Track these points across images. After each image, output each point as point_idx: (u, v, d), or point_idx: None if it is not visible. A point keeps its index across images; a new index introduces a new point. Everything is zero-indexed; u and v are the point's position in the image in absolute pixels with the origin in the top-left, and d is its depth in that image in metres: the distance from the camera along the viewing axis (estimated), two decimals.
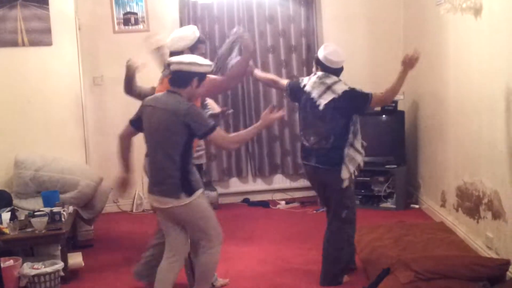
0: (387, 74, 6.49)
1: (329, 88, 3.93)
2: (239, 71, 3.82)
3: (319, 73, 4.02)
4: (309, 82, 4.06)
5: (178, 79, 3.31)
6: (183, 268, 3.73)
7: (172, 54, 3.71)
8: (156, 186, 3.39)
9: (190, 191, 3.31)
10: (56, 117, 5.42)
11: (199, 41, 3.80)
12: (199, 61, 3.30)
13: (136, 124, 3.48)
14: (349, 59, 6.37)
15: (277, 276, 4.30)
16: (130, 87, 4.43)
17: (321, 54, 4.03)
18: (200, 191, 3.36)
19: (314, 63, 4.12)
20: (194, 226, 3.45)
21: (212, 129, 3.26)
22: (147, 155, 3.58)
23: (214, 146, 5.34)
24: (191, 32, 3.81)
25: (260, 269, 4.47)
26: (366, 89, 4.50)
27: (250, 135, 3.59)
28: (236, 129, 6.34)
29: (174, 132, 3.26)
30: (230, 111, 4.65)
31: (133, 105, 6.13)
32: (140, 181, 6.00)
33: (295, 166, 6.67)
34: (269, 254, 4.77)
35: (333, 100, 3.89)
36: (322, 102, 3.92)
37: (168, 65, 3.42)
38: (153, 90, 4.08)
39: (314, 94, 3.97)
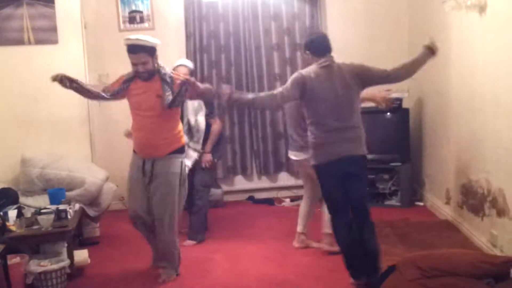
0: None
1: None
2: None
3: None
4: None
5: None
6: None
7: None
8: None
9: None
10: (62, 115, 5.44)
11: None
12: None
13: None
14: (353, 56, 6.40)
15: (281, 273, 4.32)
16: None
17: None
18: None
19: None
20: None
21: None
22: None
23: None
24: None
25: (265, 266, 4.48)
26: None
27: None
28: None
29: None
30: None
31: None
32: None
33: None
34: (274, 252, 4.79)
35: None
36: None
37: None
38: None
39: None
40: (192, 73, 5.14)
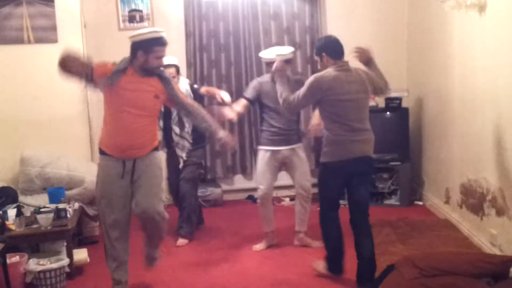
0: (391, 71, 6.53)
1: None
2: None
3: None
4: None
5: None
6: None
7: None
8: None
9: None
10: (62, 114, 5.44)
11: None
12: None
13: None
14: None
15: (280, 272, 4.33)
16: None
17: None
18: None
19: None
20: None
21: None
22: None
23: None
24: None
25: (264, 265, 4.49)
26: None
27: None
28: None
29: None
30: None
31: None
32: None
33: None
34: (273, 251, 4.80)
35: None
36: None
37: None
38: None
39: None
40: (178, 69, 5.08)
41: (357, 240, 3.97)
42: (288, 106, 4.00)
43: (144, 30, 3.77)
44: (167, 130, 5.05)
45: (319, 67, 4.05)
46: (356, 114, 3.85)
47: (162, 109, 4.70)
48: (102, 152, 3.83)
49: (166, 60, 4.87)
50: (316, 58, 4.04)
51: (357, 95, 3.84)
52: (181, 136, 4.99)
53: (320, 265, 4.19)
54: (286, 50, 4.70)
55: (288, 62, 4.65)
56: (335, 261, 4.10)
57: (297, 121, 4.80)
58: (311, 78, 3.90)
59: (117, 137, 3.77)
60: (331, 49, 3.94)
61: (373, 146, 3.95)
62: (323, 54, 3.93)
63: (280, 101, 4.01)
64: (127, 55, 3.80)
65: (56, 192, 4.82)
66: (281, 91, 4.02)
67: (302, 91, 3.89)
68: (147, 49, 3.67)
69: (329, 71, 3.85)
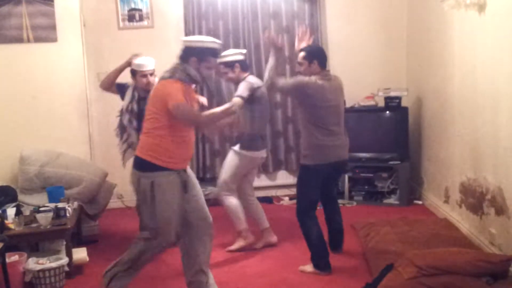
0: (390, 70, 6.55)
1: None
2: (214, 120, 3.77)
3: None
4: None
5: None
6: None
7: None
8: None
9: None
10: (61, 113, 5.45)
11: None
12: None
13: None
14: (352, 55, 6.40)
15: (280, 271, 4.32)
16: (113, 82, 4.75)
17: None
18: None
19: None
20: None
21: None
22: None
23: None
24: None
25: (264, 264, 4.49)
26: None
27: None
28: None
29: None
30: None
31: None
32: None
33: (298, 162, 6.68)
34: (273, 250, 4.80)
35: None
36: None
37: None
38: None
39: None
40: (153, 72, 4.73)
41: (333, 220, 4.51)
42: (270, 83, 4.14)
43: (205, 38, 3.66)
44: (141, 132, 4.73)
45: (300, 69, 4.20)
46: (336, 119, 4.13)
47: (135, 108, 4.61)
48: (164, 168, 3.45)
49: (150, 64, 4.62)
50: (304, 61, 4.15)
51: (336, 102, 4.13)
52: None
53: (306, 266, 4.29)
54: (234, 51, 4.79)
55: (229, 65, 4.68)
56: (321, 258, 4.21)
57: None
58: (300, 78, 4.09)
59: (188, 149, 3.59)
60: (322, 58, 4.18)
61: (348, 149, 4.31)
62: (315, 61, 4.12)
63: (266, 74, 4.16)
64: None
65: (55, 191, 4.81)
66: (271, 66, 4.13)
67: (290, 80, 4.12)
68: (201, 57, 3.52)
69: (316, 81, 4.04)
